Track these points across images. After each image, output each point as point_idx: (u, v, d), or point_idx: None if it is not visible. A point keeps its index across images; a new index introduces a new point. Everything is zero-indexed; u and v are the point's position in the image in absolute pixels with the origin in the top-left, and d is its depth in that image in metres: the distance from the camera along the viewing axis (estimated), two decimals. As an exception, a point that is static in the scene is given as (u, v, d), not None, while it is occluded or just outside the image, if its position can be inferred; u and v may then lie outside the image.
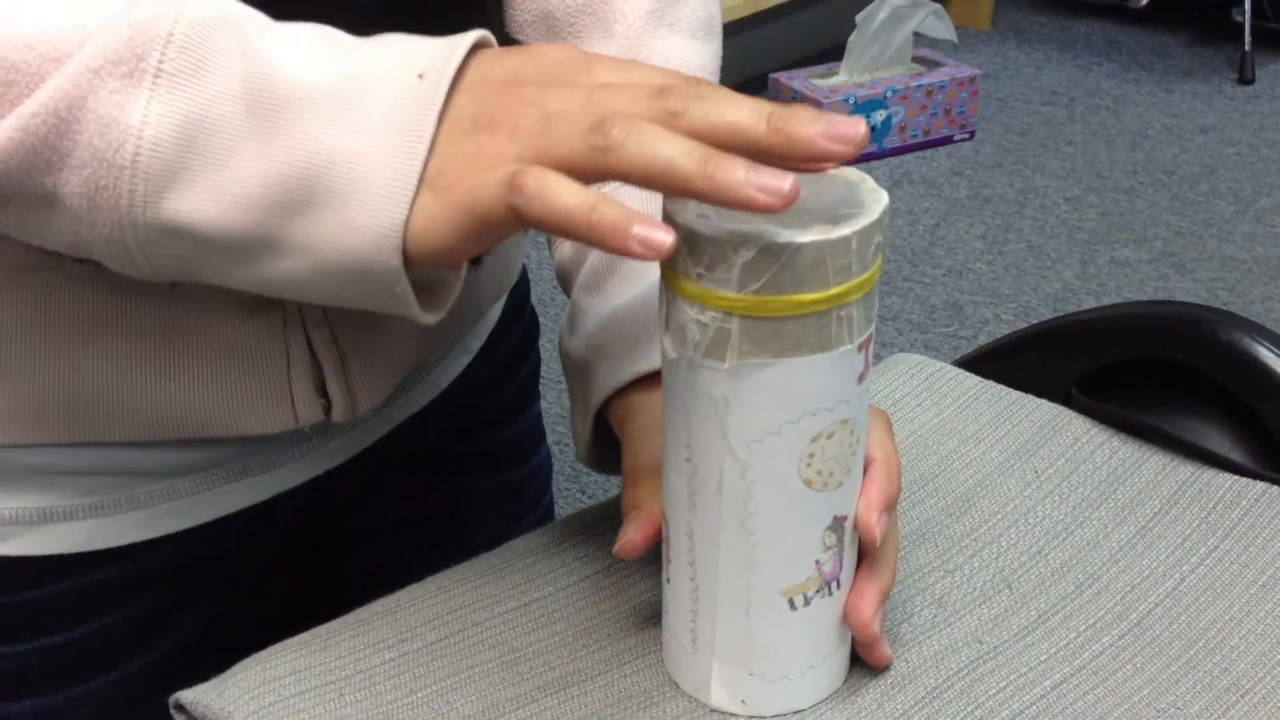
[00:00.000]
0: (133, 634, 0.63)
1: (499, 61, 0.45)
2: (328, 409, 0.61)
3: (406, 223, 0.43)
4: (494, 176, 0.42)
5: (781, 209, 0.41)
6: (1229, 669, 0.52)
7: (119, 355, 0.56)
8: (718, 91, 0.43)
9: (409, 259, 0.44)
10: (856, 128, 0.42)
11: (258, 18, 0.46)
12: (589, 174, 0.42)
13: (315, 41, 0.46)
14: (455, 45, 0.45)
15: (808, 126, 0.41)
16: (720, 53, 0.67)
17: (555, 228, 0.42)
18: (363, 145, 0.43)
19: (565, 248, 0.66)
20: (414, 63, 0.45)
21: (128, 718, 0.64)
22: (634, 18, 0.64)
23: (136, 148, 0.44)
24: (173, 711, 0.51)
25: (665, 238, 0.41)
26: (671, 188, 0.41)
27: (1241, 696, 0.51)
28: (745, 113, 0.42)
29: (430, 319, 0.47)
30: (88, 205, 0.45)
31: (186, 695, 0.51)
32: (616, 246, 0.41)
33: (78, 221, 0.46)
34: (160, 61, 0.44)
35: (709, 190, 0.41)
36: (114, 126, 0.44)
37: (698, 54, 0.65)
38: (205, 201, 0.44)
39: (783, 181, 0.40)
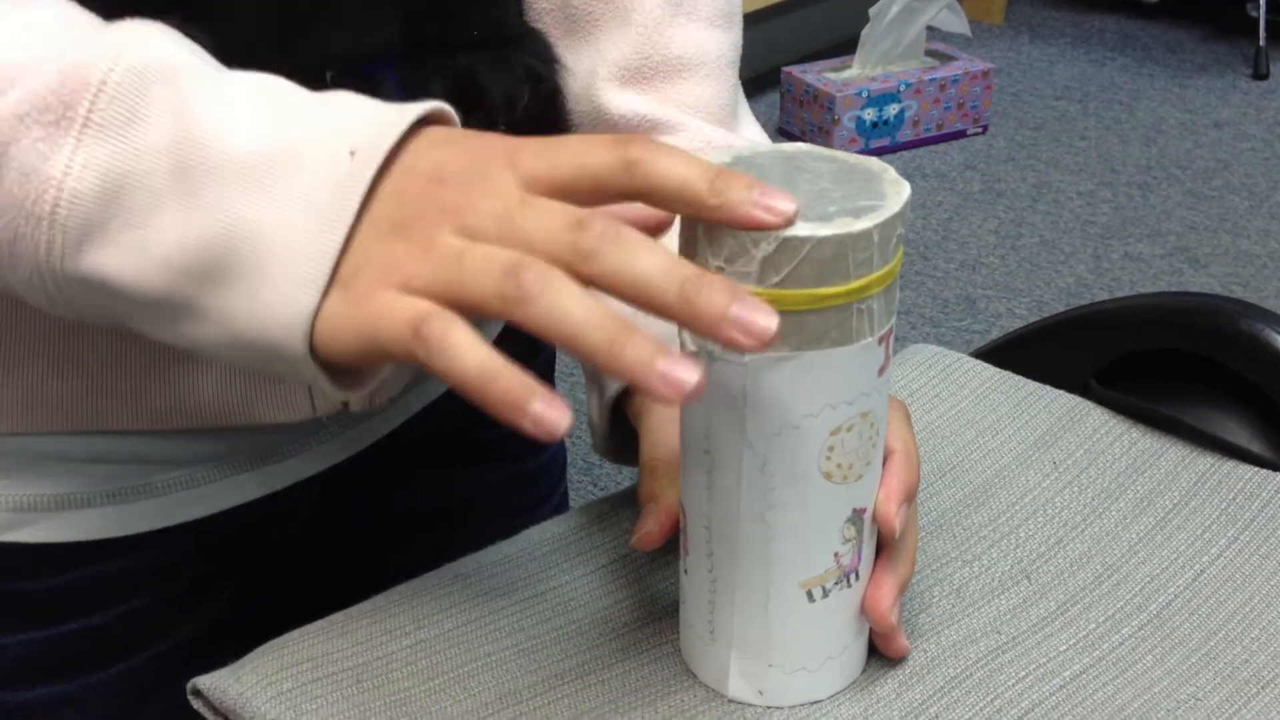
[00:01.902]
0: (150, 621, 0.64)
1: (430, 151, 0.43)
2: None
3: (317, 313, 0.42)
4: (401, 313, 0.41)
5: (680, 403, 0.39)
6: (1249, 660, 0.52)
7: (136, 344, 0.56)
8: (635, 236, 0.40)
9: (316, 352, 0.43)
10: (768, 322, 0.39)
11: (198, 68, 0.45)
12: (498, 319, 0.40)
13: (254, 100, 0.44)
14: (395, 121, 0.43)
15: (718, 305, 0.39)
16: (740, 41, 0.67)
17: (452, 386, 0.40)
18: (281, 223, 0.42)
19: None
20: (350, 136, 0.43)
21: (144, 705, 0.64)
22: (651, 6, 0.64)
23: (56, 199, 0.43)
24: (190, 697, 0.51)
25: (561, 421, 0.38)
26: (576, 354, 0.40)
27: (1262, 688, 0.51)
28: (658, 271, 0.40)
29: (351, 399, 0.45)
30: (8, 251, 0.44)
31: (204, 681, 0.51)
32: (509, 422, 0.39)
33: (0, 265, 0.45)
34: (89, 111, 0.43)
35: (611, 368, 0.39)
36: (35, 176, 0.43)
37: (716, 43, 0.65)
38: (123, 258, 0.43)
39: (689, 378, 0.38)
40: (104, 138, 0.43)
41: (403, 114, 0.44)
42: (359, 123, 0.44)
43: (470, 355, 0.39)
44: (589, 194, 0.42)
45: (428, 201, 0.42)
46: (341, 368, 0.45)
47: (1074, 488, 0.62)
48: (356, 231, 0.42)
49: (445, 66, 0.57)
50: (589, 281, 0.40)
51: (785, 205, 0.41)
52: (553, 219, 0.41)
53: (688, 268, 0.40)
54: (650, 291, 0.40)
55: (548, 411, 0.39)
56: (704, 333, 0.40)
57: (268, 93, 0.45)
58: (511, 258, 0.40)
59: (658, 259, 0.40)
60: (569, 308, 0.39)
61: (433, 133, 0.44)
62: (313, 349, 0.43)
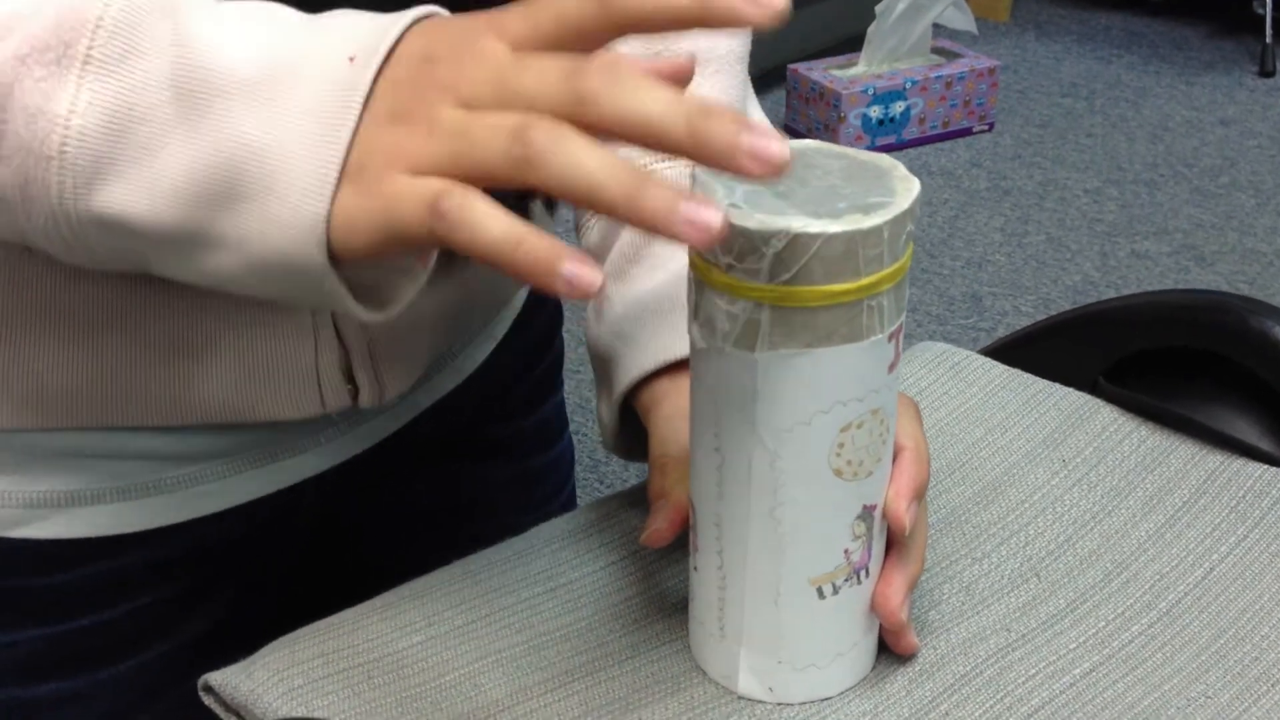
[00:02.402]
0: (159, 617, 0.64)
1: (419, 38, 0.43)
2: (355, 395, 0.61)
3: (330, 217, 0.41)
4: (416, 193, 0.40)
5: (709, 246, 0.38)
6: (1259, 658, 0.52)
7: (147, 340, 0.57)
8: (634, 75, 0.39)
9: (338, 255, 0.42)
10: (781, 148, 0.38)
11: None
12: (511, 184, 0.40)
13: (253, 23, 0.44)
14: (391, 24, 0.43)
15: (728, 134, 0.38)
16: (749, 37, 0.67)
17: (478, 258, 0.39)
18: (286, 135, 0.42)
19: (592, 234, 0.66)
20: (349, 45, 0.43)
21: (152, 701, 0.64)
22: (661, 1, 0.63)
23: (64, 138, 0.43)
24: (201, 694, 0.51)
25: (594, 277, 0.38)
26: (595, 208, 0.39)
27: (1272, 686, 0.51)
28: (661, 106, 0.38)
29: (375, 318, 0.45)
30: (21, 197, 0.44)
31: (215, 677, 0.51)
32: (541, 284, 0.38)
33: (14, 213, 0.45)
34: (89, 48, 0.43)
35: (633, 218, 0.38)
36: (40, 116, 0.43)
37: (726, 37, 0.65)
38: (134, 193, 0.43)
39: (713, 219, 0.37)
40: (105, 73, 0.43)
41: (398, 18, 0.43)
42: (356, 31, 0.43)
43: (493, 223, 0.39)
44: (574, 42, 0.42)
45: (422, 82, 0.42)
46: (363, 282, 0.44)
47: (1083, 485, 0.62)
48: (360, 129, 0.42)
49: None
50: (593, 128, 0.39)
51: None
52: (547, 71, 0.40)
53: (693, 101, 0.39)
54: (657, 128, 0.39)
55: (580, 269, 0.38)
56: (715, 163, 0.38)
57: (263, 15, 0.45)
58: (516, 120, 0.39)
59: (661, 94, 0.39)
60: (583, 162, 0.38)
61: (423, 26, 0.44)
62: (332, 258, 0.42)
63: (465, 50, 0.42)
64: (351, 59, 0.42)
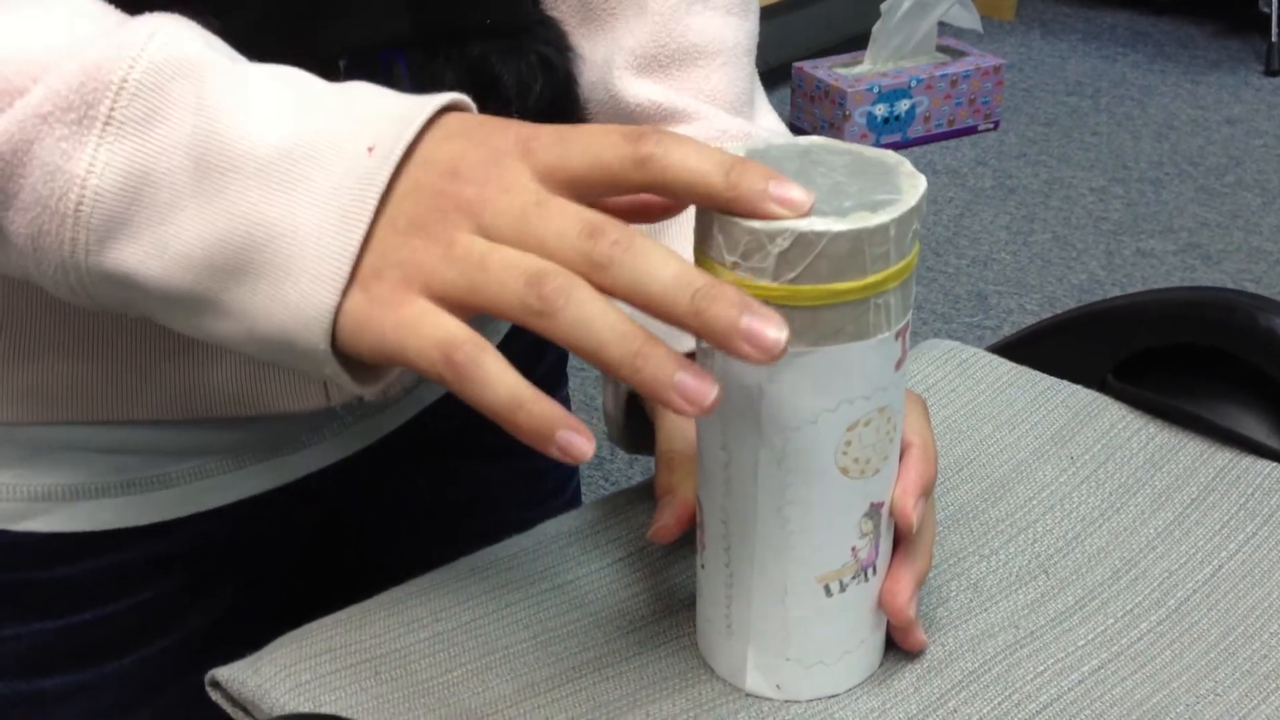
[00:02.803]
0: (163, 611, 0.64)
1: (444, 145, 0.44)
2: (359, 389, 0.61)
3: (339, 309, 0.42)
4: (431, 334, 0.41)
5: (700, 415, 0.40)
6: (1268, 655, 0.52)
7: (151, 335, 0.57)
8: (648, 245, 0.41)
9: (339, 348, 0.43)
10: (778, 335, 0.40)
11: (218, 63, 0.45)
12: (520, 326, 0.41)
13: (275, 97, 0.44)
14: (414, 115, 0.44)
15: (728, 316, 0.40)
16: (756, 30, 0.67)
17: (482, 411, 0.41)
18: (301, 221, 0.43)
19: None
20: (370, 132, 0.43)
21: (156, 694, 0.64)
22: (668, -5, 0.63)
23: (80, 197, 0.43)
24: (208, 689, 0.51)
25: (586, 447, 0.40)
26: (597, 366, 0.41)
27: (1281, 684, 0.51)
28: (671, 281, 0.40)
29: (369, 393, 0.46)
30: (33, 246, 0.45)
31: (222, 672, 0.51)
32: (536, 447, 0.41)
33: (24, 259, 0.46)
34: (111, 109, 0.43)
35: (633, 380, 0.40)
36: (59, 175, 0.43)
37: (733, 31, 0.65)
38: (146, 255, 0.44)
39: (706, 393, 0.40)
40: (125, 136, 0.43)
41: (420, 108, 0.44)
42: (377, 118, 0.44)
43: (501, 385, 0.41)
44: (602, 187, 0.43)
45: (444, 197, 0.42)
46: (361, 363, 0.45)
47: (1091, 482, 0.61)
48: (375, 229, 0.43)
49: (457, 55, 0.57)
50: (602, 290, 0.41)
51: (800, 197, 0.42)
52: (567, 223, 0.41)
53: (700, 278, 0.40)
54: (662, 302, 0.41)
55: (573, 439, 0.40)
56: (714, 344, 0.41)
57: (287, 87, 0.45)
58: (533, 267, 0.40)
59: (670, 269, 0.41)
60: (591, 321, 0.40)
61: (448, 122, 0.44)
62: (334, 345, 0.43)
63: (492, 174, 0.42)
64: (370, 149, 0.43)
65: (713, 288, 0.40)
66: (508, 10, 0.60)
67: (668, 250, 0.41)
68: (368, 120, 0.44)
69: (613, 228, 0.41)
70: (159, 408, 0.58)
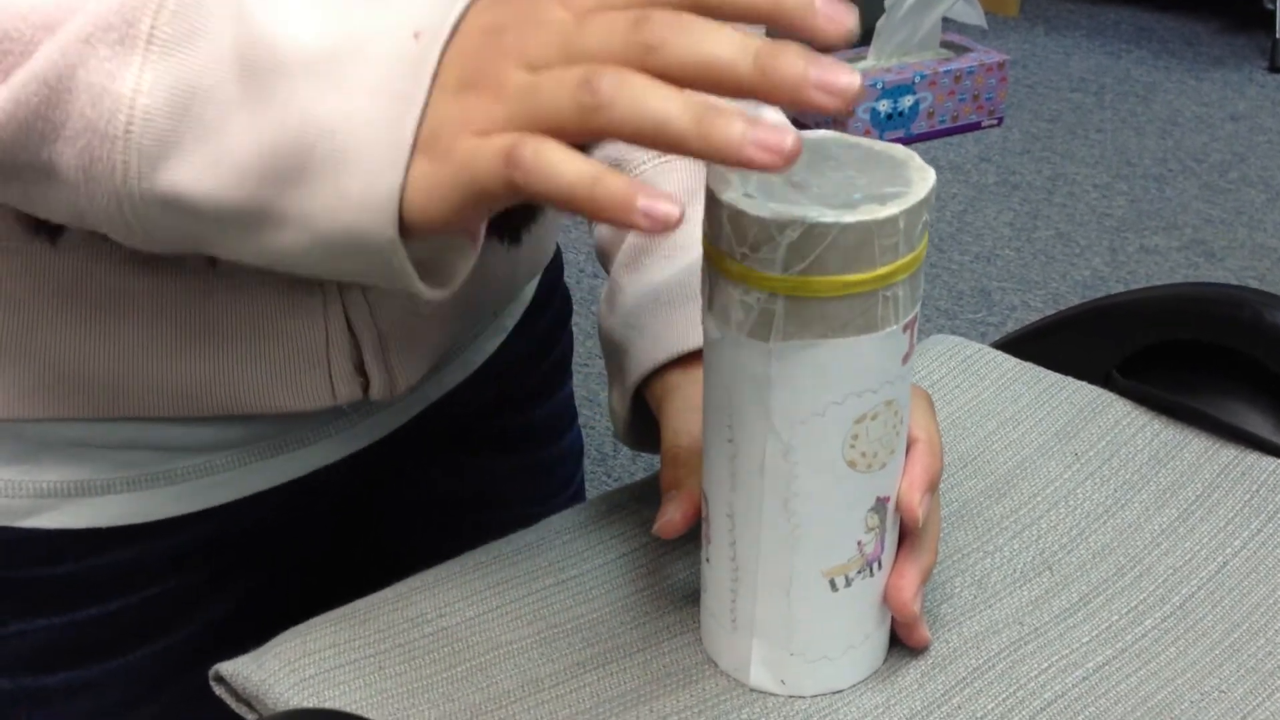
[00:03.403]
0: (169, 608, 0.64)
1: (485, 12, 0.43)
2: (366, 387, 0.61)
3: (403, 192, 0.42)
4: (490, 147, 0.40)
5: (783, 168, 0.38)
6: (1273, 652, 0.52)
7: (157, 331, 0.56)
8: (698, 20, 0.39)
9: (408, 229, 0.42)
10: (850, 79, 0.38)
11: None
12: (581, 134, 0.40)
13: (312, 2, 0.44)
14: (453, 1, 0.43)
15: (796, 69, 0.38)
16: (762, 27, 0.67)
17: (556, 202, 0.40)
18: (355, 112, 0.42)
19: (603, 225, 0.65)
20: (412, 20, 0.43)
21: (164, 691, 0.64)
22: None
23: (129, 118, 0.43)
24: (213, 683, 0.51)
25: (671, 209, 0.38)
26: (666, 145, 0.39)
27: (1286, 681, 0.51)
28: (728, 48, 0.38)
29: (435, 295, 0.45)
30: (84, 178, 0.44)
31: (226, 667, 0.51)
32: (620, 220, 0.39)
33: (75, 194, 0.45)
34: (152, 27, 0.43)
35: (704, 149, 0.38)
36: (105, 96, 0.43)
37: (738, 27, 0.65)
38: (200, 172, 0.43)
39: (784, 138, 0.37)
40: (169, 53, 0.43)
41: None
42: (417, 6, 0.43)
43: (569, 165, 0.39)
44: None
45: (488, 50, 0.42)
46: (422, 259, 0.44)
47: (1096, 479, 0.61)
48: (430, 103, 0.42)
49: None
50: (662, 75, 0.39)
51: (846, 15, 0.40)
52: (612, 23, 0.40)
53: (758, 40, 0.39)
54: (724, 70, 0.39)
55: (655, 203, 0.38)
56: (786, 101, 0.38)
57: None
58: (582, 70, 0.39)
59: (726, 36, 0.39)
60: (649, 101, 0.38)
61: (482, 2, 0.44)
62: (403, 233, 0.42)
63: (530, 19, 0.42)
64: (416, 35, 0.42)
65: (774, 46, 0.38)
66: None
67: (718, 24, 0.39)
68: (408, 11, 0.43)
69: (658, 13, 0.40)
70: (165, 405, 0.58)
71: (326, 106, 0.42)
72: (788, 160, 0.38)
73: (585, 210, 0.39)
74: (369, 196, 0.42)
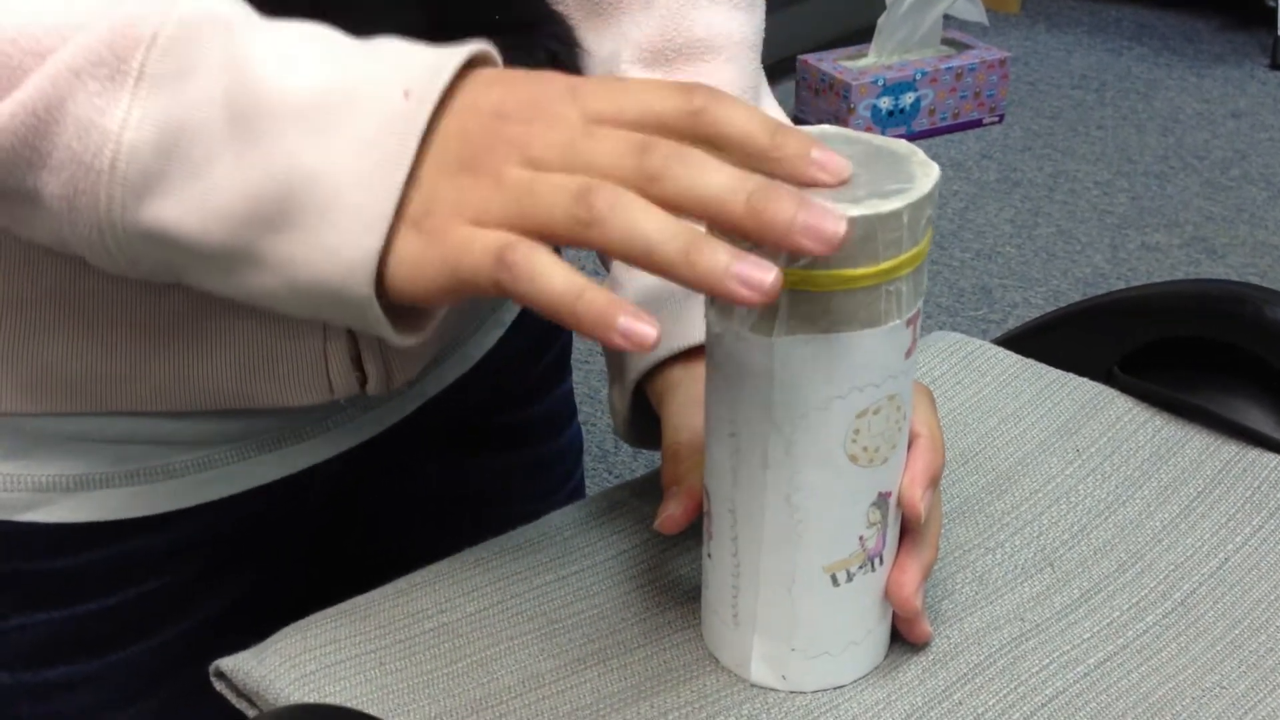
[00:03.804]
0: (168, 602, 0.64)
1: (488, 90, 0.44)
2: (363, 382, 0.61)
3: (385, 256, 0.42)
4: (483, 244, 0.41)
5: (763, 303, 0.40)
6: (1275, 649, 0.52)
7: (156, 327, 0.56)
8: (699, 154, 0.41)
9: (386, 294, 0.43)
10: (836, 227, 0.40)
11: (248, 17, 0.45)
12: (570, 243, 0.41)
13: (305, 47, 0.44)
14: (445, 62, 0.44)
15: (785, 213, 0.40)
16: (762, 25, 0.67)
17: (540, 310, 0.41)
18: (341, 166, 0.42)
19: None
20: (403, 78, 0.43)
21: (163, 685, 0.64)
22: (675, -11, 0.63)
23: (115, 152, 0.43)
24: (213, 679, 0.51)
25: (649, 331, 0.39)
26: (651, 268, 0.40)
27: (1288, 677, 0.51)
28: (724, 184, 0.40)
29: (408, 343, 0.46)
30: (68, 207, 0.44)
31: (226, 663, 0.51)
32: (599, 337, 0.40)
33: (59, 221, 0.45)
34: (143, 64, 0.43)
35: (689, 277, 0.40)
36: (93, 130, 0.43)
37: (739, 25, 0.65)
38: (183, 210, 0.43)
39: (765, 275, 0.39)
40: (159, 90, 0.43)
41: (453, 54, 0.44)
42: (410, 65, 0.44)
43: (556, 277, 0.40)
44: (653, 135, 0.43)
45: (492, 136, 0.43)
46: (402, 312, 0.45)
47: (1097, 475, 0.61)
48: (421, 171, 0.43)
49: None
50: (657, 202, 0.41)
51: (841, 166, 0.42)
52: (617, 144, 0.41)
53: (753, 180, 0.41)
54: (718, 207, 0.40)
55: (634, 325, 0.40)
56: (774, 243, 0.40)
57: (318, 39, 0.45)
58: (582, 182, 0.41)
59: (723, 175, 0.41)
60: (642, 224, 0.40)
61: (485, 73, 0.45)
62: (379, 291, 0.43)
63: (539, 112, 0.43)
64: (407, 93, 0.43)
65: (768, 187, 0.40)
66: (515, 5, 0.59)
67: (718, 160, 0.41)
68: (400, 67, 0.44)
69: (663, 143, 0.41)
70: (162, 399, 0.58)
71: (313, 157, 0.42)
72: (768, 297, 0.40)
73: (566, 323, 0.41)
74: (347, 253, 0.42)
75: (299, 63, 0.44)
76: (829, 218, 0.40)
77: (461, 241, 0.42)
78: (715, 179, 0.41)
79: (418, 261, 0.42)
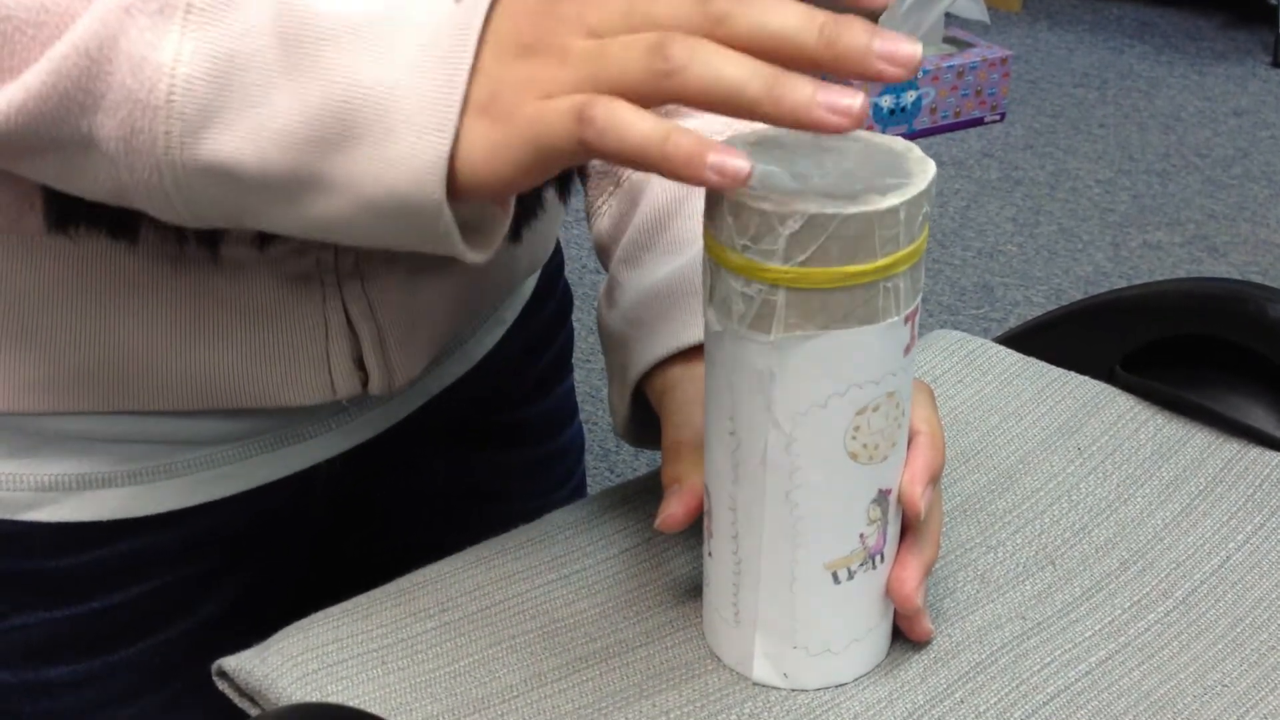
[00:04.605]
0: (171, 601, 0.64)
1: None
2: (365, 381, 0.61)
3: (454, 155, 0.42)
4: (559, 107, 0.41)
5: (852, 129, 0.39)
6: (1276, 647, 0.52)
7: (157, 326, 0.56)
8: None
9: (464, 191, 0.42)
10: (913, 49, 0.40)
11: None
12: (651, 98, 0.41)
13: None
14: None
15: (861, 40, 0.40)
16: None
17: (628, 159, 0.40)
18: (400, 76, 0.42)
19: (604, 221, 0.65)
20: None
21: (165, 684, 0.64)
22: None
23: (170, 87, 0.42)
24: (216, 679, 0.51)
25: (742, 165, 0.39)
26: (737, 110, 0.40)
27: (1289, 675, 0.51)
28: (794, 20, 0.40)
29: (477, 258, 0.45)
30: (125, 149, 0.44)
31: (229, 662, 0.51)
32: (691, 176, 0.40)
33: (116, 166, 0.44)
34: None
35: (776, 113, 0.39)
36: (146, 65, 0.42)
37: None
38: (242, 140, 0.43)
39: (853, 100, 0.39)
40: (208, 21, 0.43)
41: None
42: None
43: (641, 124, 0.40)
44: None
45: (548, 17, 0.42)
46: (473, 222, 0.44)
47: (1099, 474, 0.61)
48: (481, 64, 0.42)
49: None
50: (727, 45, 0.40)
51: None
52: None
53: (821, 14, 0.40)
54: (790, 42, 0.40)
55: (726, 159, 0.39)
56: (851, 72, 0.40)
57: None
58: (653, 36, 0.40)
59: (790, 10, 0.40)
60: (722, 67, 0.40)
61: None
62: (451, 195, 0.42)
63: None
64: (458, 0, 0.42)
65: (838, 19, 0.40)
66: None
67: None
68: None
69: None
70: (165, 399, 0.58)
71: (370, 71, 0.42)
72: (857, 122, 0.39)
73: (657, 167, 0.40)
74: (416, 160, 0.42)
75: None
76: (904, 42, 0.40)
77: (536, 114, 0.41)
78: (784, 15, 0.40)
79: (494, 145, 0.42)
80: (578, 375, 1.81)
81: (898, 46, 0.40)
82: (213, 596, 0.65)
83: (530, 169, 0.42)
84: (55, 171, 0.47)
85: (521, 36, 0.42)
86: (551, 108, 0.41)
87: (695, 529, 0.53)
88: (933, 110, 2.64)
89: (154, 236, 0.53)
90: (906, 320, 0.45)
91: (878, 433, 0.46)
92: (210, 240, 0.54)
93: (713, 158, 0.39)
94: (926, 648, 0.52)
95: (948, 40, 2.74)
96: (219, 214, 0.46)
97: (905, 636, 0.52)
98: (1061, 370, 0.68)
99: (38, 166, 0.47)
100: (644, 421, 0.61)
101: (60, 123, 0.44)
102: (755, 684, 0.50)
